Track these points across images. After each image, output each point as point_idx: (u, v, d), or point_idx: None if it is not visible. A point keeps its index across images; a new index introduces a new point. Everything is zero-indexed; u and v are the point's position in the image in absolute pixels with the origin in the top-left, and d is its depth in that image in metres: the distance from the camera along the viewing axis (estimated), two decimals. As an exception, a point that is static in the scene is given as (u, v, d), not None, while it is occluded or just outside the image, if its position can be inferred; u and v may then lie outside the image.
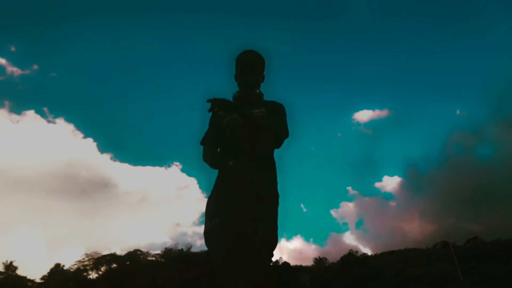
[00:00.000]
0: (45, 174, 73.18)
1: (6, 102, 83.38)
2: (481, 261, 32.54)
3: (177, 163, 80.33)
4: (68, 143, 75.94)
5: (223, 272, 1.38)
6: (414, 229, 75.02)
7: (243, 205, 1.46)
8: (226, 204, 1.48)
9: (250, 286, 1.34)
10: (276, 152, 1.76)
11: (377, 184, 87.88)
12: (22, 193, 66.08)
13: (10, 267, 41.43)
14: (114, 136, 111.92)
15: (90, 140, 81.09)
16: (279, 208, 1.60)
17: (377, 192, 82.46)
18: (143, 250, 46.17)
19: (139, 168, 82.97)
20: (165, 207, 77.66)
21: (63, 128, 77.05)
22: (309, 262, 47.43)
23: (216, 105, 1.56)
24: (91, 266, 42.89)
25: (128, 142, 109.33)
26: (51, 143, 78.59)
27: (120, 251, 46.43)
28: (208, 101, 1.55)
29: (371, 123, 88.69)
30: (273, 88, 1.88)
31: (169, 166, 79.34)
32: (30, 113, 74.01)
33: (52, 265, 44.22)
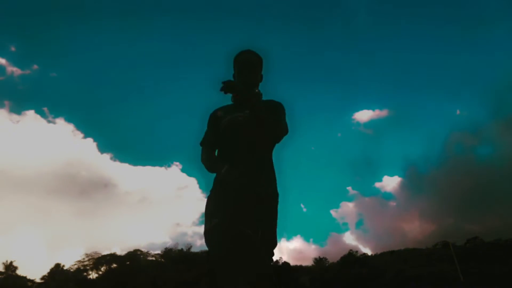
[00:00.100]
0: (45, 174, 73.26)
1: (6, 102, 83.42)
2: (481, 261, 32.56)
3: (177, 163, 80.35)
4: (68, 143, 75.98)
5: (223, 272, 1.39)
6: (414, 229, 75.06)
7: (243, 205, 1.46)
8: (225, 204, 1.48)
9: (250, 286, 1.34)
10: (276, 152, 1.76)
11: (377, 184, 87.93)
12: (22, 193, 66.15)
13: (10, 267, 41.46)
14: (114, 136, 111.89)
15: (90, 140, 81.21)
16: (279, 208, 1.60)
17: (377, 192, 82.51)
18: (143, 250, 46.25)
19: (139, 168, 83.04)
20: (165, 207, 77.71)
21: (63, 128, 77.15)
22: (309, 262, 47.49)
23: (228, 87, 1.53)
24: (91, 266, 42.91)
25: (128, 142, 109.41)
26: (51, 143, 78.64)
27: (120, 251, 46.49)
28: (223, 82, 1.53)
29: (371, 123, 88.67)
30: (272, 88, 1.89)
31: (169, 166, 79.38)
32: (30, 113, 74.05)
33: (52, 265, 44.30)
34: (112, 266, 42.22)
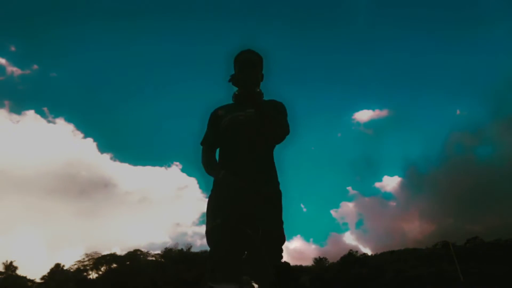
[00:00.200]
0: (45, 174, 73.26)
1: (6, 102, 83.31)
2: (481, 261, 32.56)
3: (177, 163, 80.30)
4: (68, 143, 75.96)
5: (223, 271, 1.39)
6: (414, 229, 75.02)
7: (243, 205, 1.46)
8: (227, 204, 1.48)
9: (251, 285, 1.35)
10: (276, 152, 1.76)
11: (377, 184, 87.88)
12: (22, 193, 66.16)
13: (10, 267, 41.46)
14: (114, 136, 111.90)
15: (90, 140, 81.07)
16: None
17: (377, 192, 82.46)
18: (143, 250, 46.23)
19: (139, 168, 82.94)
20: (165, 207, 77.65)
21: (63, 128, 77.08)
22: (309, 262, 47.47)
23: (234, 79, 1.55)
24: (91, 266, 42.90)
25: (128, 142, 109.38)
26: (51, 143, 78.60)
27: (120, 251, 46.45)
28: (231, 76, 1.55)
29: (371, 123, 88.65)
30: (272, 88, 1.88)
31: (169, 166, 79.32)
32: (30, 113, 73.98)
33: (52, 265, 44.28)
34: (112, 266, 42.22)
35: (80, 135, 77.13)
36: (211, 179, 1.66)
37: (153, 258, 45.20)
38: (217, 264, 1.41)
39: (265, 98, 1.82)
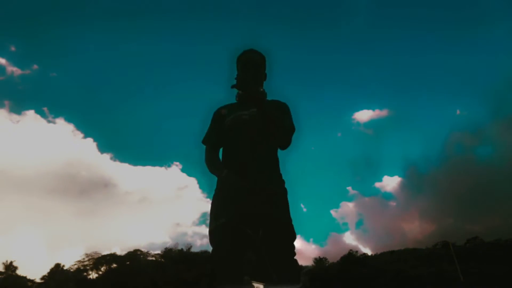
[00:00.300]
0: (45, 174, 73.28)
1: (6, 102, 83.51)
2: (481, 261, 32.55)
3: (177, 163, 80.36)
4: (68, 143, 76.04)
5: (223, 271, 1.39)
6: (414, 229, 75.06)
7: (247, 204, 1.46)
8: (230, 204, 1.48)
9: (251, 285, 1.34)
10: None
11: (377, 184, 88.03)
12: (22, 193, 66.14)
13: (10, 267, 41.44)
14: (114, 136, 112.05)
15: (90, 140, 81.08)
16: None
17: (377, 192, 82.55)
18: (143, 250, 46.25)
19: (139, 168, 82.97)
20: (165, 207, 77.79)
21: (63, 128, 77.15)
22: (309, 262, 47.44)
23: (237, 84, 1.54)
24: (91, 266, 42.89)
25: (128, 142, 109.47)
26: (51, 143, 78.66)
27: (120, 251, 46.47)
28: (235, 82, 1.54)
29: (371, 123, 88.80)
30: (272, 89, 1.88)
31: (169, 166, 79.39)
32: (30, 113, 74.13)
33: (52, 265, 44.28)
34: (112, 266, 42.20)
35: (80, 135, 77.29)
36: (212, 179, 1.66)
37: (153, 258, 45.20)
38: (218, 264, 1.41)
39: (267, 98, 1.83)
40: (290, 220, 1.51)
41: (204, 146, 1.79)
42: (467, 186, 76.36)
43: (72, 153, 76.18)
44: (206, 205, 76.64)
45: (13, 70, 76.93)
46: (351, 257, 40.69)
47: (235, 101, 1.77)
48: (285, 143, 1.63)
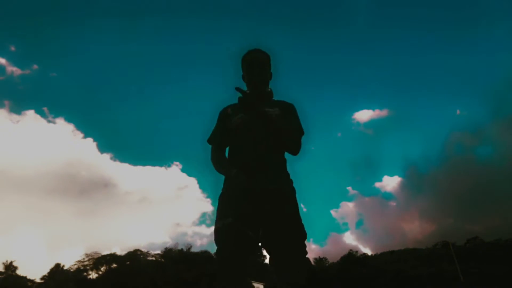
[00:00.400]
0: (45, 174, 73.23)
1: (6, 102, 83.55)
2: (481, 261, 32.56)
3: (177, 163, 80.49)
4: (68, 143, 76.03)
5: (226, 272, 1.38)
6: (414, 229, 75.13)
7: (254, 204, 1.45)
8: (237, 204, 1.47)
9: (251, 285, 1.35)
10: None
11: (377, 184, 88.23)
12: (22, 193, 66.14)
13: (10, 267, 41.46)
14: (114, 136, 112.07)
15: (90, 140, 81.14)
16: None
17: (377, 192, 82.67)
18: (143, 250, 46.29)
19: (139, 168, 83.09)
20: (165, 207, 77.84)
21: (63, 128, 77.15)
22: (309, 262, 47.27)
23: (242, 94, 1.57)
24: (91, 266, 42.92)
25: (128, 142, 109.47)
26: (51, 143, 78.48)
27: (120, 251, 46.52)
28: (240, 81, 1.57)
29: (371, 123, 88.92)
30: (273, 88, 1.88)
31: (169, 166, 79.47)
32: (30, 113, 74.20)
33: (52, 265, 44.36)
34: (112, 266, 42.22)
35: (80, 135, 77.34)
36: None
37: (153, 258, 45.22)
38: (221, 264, 1.41)
39: (274, 98, 1.81)
40: (300, 219, 1.51)
41: (209, 146, 1.78)
42: (467, 186, 76.47)
43: (72, 153, 76.17)
44: (206, 205, 76.60)
45: (13, 70, 77.12)
46: (351, 257, 40.69)
47: (235, 100, 1.76)
48: (296, 150, 1.64)
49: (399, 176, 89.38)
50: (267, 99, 1.76)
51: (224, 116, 1.76)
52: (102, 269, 42.49)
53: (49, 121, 76.10)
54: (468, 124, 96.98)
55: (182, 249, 46.23)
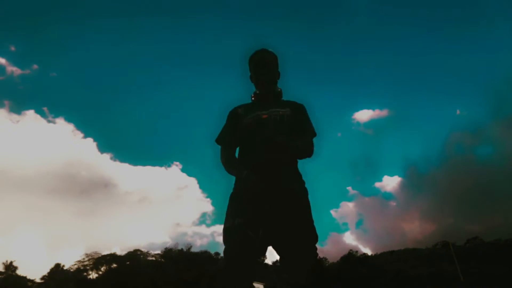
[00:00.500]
0: (45, 174, 73.23)
1: (6, 102, 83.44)
2: (481, 261, 32.57)
3: (177, 163, 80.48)
4: (68, 143, 76.01)
5: (229, 272, 1.38)
6: (414, 229, 75.15)
7: (265, 206, 1.43)
8: (248, 204, 1.45)
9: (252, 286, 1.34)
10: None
11: (377, 184, 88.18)
12: (22, 193, 66.12)
13: (10, 267, 41.45)
14: (114, 136, 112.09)
15: (90, 140, 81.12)
16: None
17: (377, 192, 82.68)
18: (143, 250, 46.29)
19: (139, 168, 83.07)
20: (165, 207, 77.80)
21: (63, 128, 77.12)
22: (309, 262, 47.24)
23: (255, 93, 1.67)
24: (91, 266, 42.91)
25: (128, 142, 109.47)
26: (51, 143, 78.48)
27: (120, 251, 46.51)
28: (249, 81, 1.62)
29: (371, 123, 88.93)
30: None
31: (169, 166, 79.45)
32: (30, 113, 74.15)
33: (52, 265, 44.33)
34: (112, 266, 42.21)
35: (80, 135, 77.31)
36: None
37: (153, 258, 45.22)
38: (227, 263, 1.40)
39: (283, 98, 1.81)
40: (311, 221, 1.49)
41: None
42: (467, 186, 76.49)
43: (72, 153, 76.12)
44: (206, 205, 76.61)
45: (13, 70, 77.13)
46: (351, 257, 40.70)
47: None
48: (310, 155, 1.67)
49: (399, 176, 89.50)
50: (277, 98, 1.76)
51: (234, 116, 1.75)
52: (102, 269, 42.48)
53: (49, 121, 76.18)
54: (468, 124, 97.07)
55: (182, 249, 46.29)
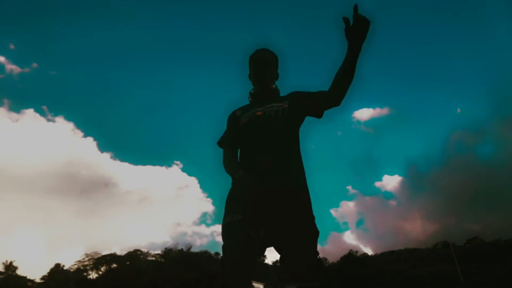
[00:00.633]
0: (44, 173, 73.30)
1: (5, 101, 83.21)
2: (481, 261, 32.57)
3: (178, 162, 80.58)
4: (67, 142, 75.97)
5: (229, 271, 1.37)
6: (415, 229, 75.21)
7: (264, 203, 1.42)
8: (245, 202, 1.44)
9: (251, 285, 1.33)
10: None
11: (378, 183, 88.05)
12: (22, 192, 66.12)
13: (10, 267, 41.49)
14: (114, 135, 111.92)
15: (90, 139, 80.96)
16: None
17: (377, 191, 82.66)
18: (143, 250, 46.35)
19: (140, 167, 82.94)
20: (166, 206, 77.87)
21: (63, 127, 76.99)
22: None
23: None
24: (91, 266, 42.96)
25: (129, 141, 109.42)
26: (50, 142, 78.51)
27: (120, 251, 46.57)
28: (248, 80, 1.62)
29: (372, 122, 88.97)
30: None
31: (169, 165, 79.51)
32: (30, 112, 74.12)
33: (52, 265, 44.41)
34: (112, 266, 42.25)
35: (80, 134, 77.19)
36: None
37: (153, 258, 45.27)
38: (225, 262, 1.39)
39: (280, 95, 1.82)
40: (312, 217, 1.48)
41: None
42: (468, 185, 76.55)
43: (72, 152, 76.05)
44: (206, 205, 76.68)
45: (12, 68, 77.05)
46: (351, 257, 40.72)
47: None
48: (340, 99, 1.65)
49: (400, 175, 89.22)
50: (274, 95, 1.77)
51: (233, 118, 1.77)
52: (102, 269, 42.52)
53: (48, 120, 76.11)
54: (469, 122, 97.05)
55: (182, 249, 46.34)
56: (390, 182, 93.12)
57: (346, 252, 42.75)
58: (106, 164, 78.56)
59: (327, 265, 44.56)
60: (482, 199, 70.73)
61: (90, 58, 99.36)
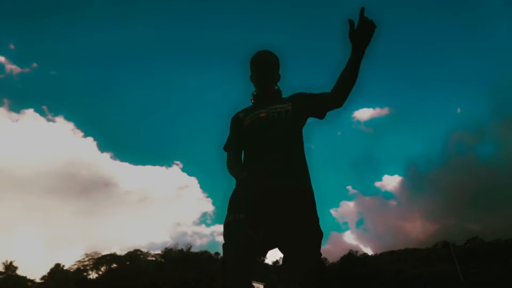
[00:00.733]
0: (44, 173, 73.27)
1: (5, 101, 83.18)
2: (481, 261, 32.58)
3: (178, 162, 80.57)
4: (67, 142, 75.95)
5: (231, 271, 1.37)
6: (415, 229, 75.21)
7: (267, 204, 1.41)
8: (248, 203, 1.44)
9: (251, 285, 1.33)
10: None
11: (378, 183, 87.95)
12: (22, 193, 66.12)
13: (10, 267, 41.50)
14: (114, 135, 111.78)
15: (90, 139, 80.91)
16: None
17: (377, 191, 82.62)
18: (143, 250, 46.37)
19: (140, 167, 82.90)
20: (166, 206, 77.84)
21: (63, 127, 76.96)
22: (309, 262, 47.28)
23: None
24: (91, 266, 42.97)
25: (129, 141, 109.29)
26: (50, 142, 78.43)
27: (120, 251, 46.58)
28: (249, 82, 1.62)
29: (372, 122, 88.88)
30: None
31: (169, 165, 79.48)
32: (29, 112, 74.11)
33: (52, 265, 44.43)
34: (112, 266, 42.26)
35: (80, 133, 77.17)
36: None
37: (153, 258, 45.28)
38: (226, 262, 1.39)
39: (283, 96, 1.81)
40: (316, 218, 1.47)
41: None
42: (468, 185, 76.51)
43: (72, 152, 75.97)
44: (206, 205, 76.69)
45: (12, 68, 77.05)
46: (351, 257, 40.74)
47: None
48: (338, 104, 1.65)
49: (400, 175, 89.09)
50: (277, 96, 1.77)
51: (236, 121, 1.77)
52: (102, 269, 42.52)
53: (48, 120, 76.10)
54: (469, 122, 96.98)
55: (182, 249, 46.36)
56: (390, 182, 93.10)
57: (346, 252, 42.84)
58: (106, 164, 78.57)
59: (327, 265, 44.59)
60: (482, 199, 70.73)
61: (90, 58, 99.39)
